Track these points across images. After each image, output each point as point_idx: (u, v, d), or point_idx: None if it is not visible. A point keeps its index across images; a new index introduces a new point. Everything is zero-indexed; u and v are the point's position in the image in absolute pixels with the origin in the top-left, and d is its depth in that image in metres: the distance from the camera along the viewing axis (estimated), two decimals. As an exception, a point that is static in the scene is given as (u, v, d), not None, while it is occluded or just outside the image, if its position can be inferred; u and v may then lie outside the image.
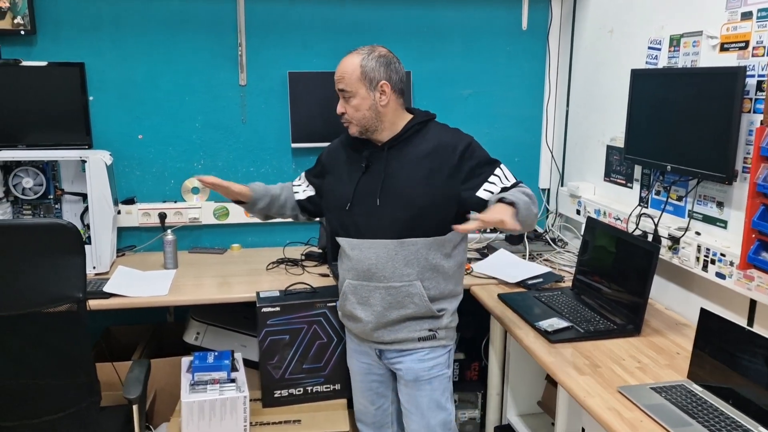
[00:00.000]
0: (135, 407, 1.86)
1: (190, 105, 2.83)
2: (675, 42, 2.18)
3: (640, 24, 2.38)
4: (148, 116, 2.80)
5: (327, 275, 2.56)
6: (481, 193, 1.82)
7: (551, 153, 3.11)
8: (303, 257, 2.75)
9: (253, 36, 2.81)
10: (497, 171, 1.85)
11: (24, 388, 1.63)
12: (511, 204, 1.68)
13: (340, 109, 1.86)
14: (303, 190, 2.10)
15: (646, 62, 2.33)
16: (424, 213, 1.82)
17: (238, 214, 2.91)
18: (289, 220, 2.88)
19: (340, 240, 1.92)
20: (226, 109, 2.86)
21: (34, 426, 1.67)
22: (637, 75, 2.30)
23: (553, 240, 2.91)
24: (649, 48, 2.32)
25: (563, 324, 2.01)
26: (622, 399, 1.59)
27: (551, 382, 2.38)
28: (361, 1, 2.86)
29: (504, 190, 1.82)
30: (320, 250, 2.76)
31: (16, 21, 2.52)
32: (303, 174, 2.13)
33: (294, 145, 2.88)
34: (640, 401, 1.56)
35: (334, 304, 2.26)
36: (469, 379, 2.74)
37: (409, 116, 1.90)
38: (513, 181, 1.87)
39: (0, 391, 1.63)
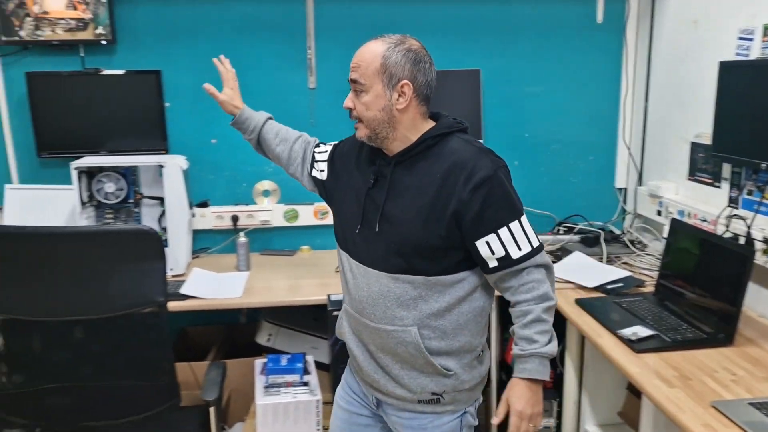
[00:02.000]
0: (212, 409, 1.89)
1: (261, 108, 2.82)
2: (769, 31, 2.05)
3: (728, 14, 2.24)
4: (220, 121, 2.84)
5: (397, 278, 2.53)
6: (479, 244, 1.46)
7: (629, 151, 2.98)
8: (372, 259, 2.73)
9: (322, 38, 2.82)
10: (510, 226, 1.45)
11: (108, 389, 1.68)
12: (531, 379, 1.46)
13: (348, 103, 1.55)
14: (321, 171, 1.77)
15: (736, 54, 2.19)
16: (421, 251, 1.47)
17: (307, 217, 2.93)
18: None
19: (342, 252, 1.63)
20: (295, 112, 2.88)
21: (117, 427, 1.73)
22: (726, 67, 2.16)
23: (632, 242, 2.79)
24: (740, 39, 2.18)
25: (648, 332, 1.92)
26: (717, 415, 1.49)
27: (633, 393, 2.28)
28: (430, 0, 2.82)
29: (506, 260, 1.45)
30: (390, 253, 2.74)
31: (97, 31, 2.62)
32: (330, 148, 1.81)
33: (363, 147, 2.87)
34: (738, 418, 1.46)
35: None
36: (544, 387, 2.64)
37: (430, 126, 1.53)
38: (525, 250, 1.45)
39: (85, 392, 1.69)
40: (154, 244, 1.56)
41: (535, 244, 1.48)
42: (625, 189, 3.04)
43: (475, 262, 1.50)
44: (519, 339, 1.49)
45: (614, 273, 2.43)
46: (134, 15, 2.69)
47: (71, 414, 1.70)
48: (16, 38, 2.59)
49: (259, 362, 2.27)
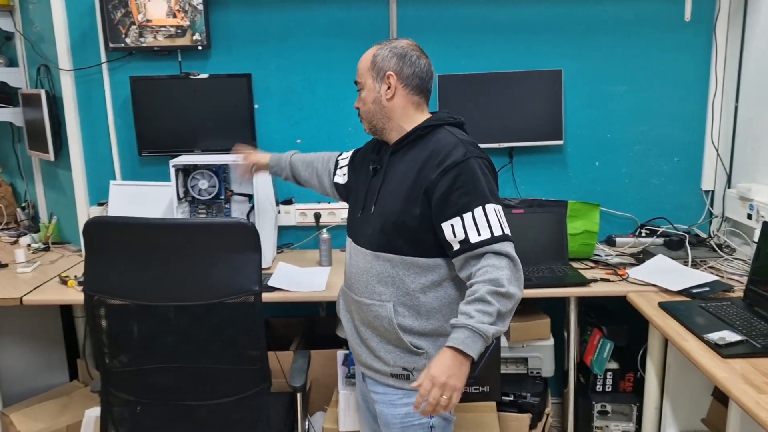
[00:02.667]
0: (299, 395, 1.99)
1: (345, 110, 2.96)
2: None
3: (829, 9, 2.15)
4: (306, 122, 2.97)
5: (475, 277, 2.56)
6: (445, 226, 1.55)
7: (717, 152, 2.88)
8: (450, 258, 2.77)
9: (404, 41, 2.88)
10: (474, 212, 1.51)
11: (205, 371, 1.80)
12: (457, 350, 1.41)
13: (355, 104, 1.75)
14: (344, 175, 1.95)
15: (837, 51, 2.10)
16: (399, 229, 1.60)
17: (387, 215, 3.01)
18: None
19: (347, 238, 1.81)
20: (377, 113, 2.96)
21: (212, 407, 1.84)
22: (826, 66, 2.07)
23: (719, 246, 2.70)
24: (842, 35, 2.08)
25: (736, 337, 1.87)
26: (811, 423, 1.45)
27: (719, 399, 2.22)
28: (510, 0, 2.83)
29: (465, 244, 1.51)
30: (468, 252, 2.77)
31: (194, 38, 2.79)
32: (348, 160, 1.97)
33: (442, 147, 2.91)
34: (835, 427, 1.41)
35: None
36: (623, 391, 2.62)
37: (426, 118, 1.69)
38: (485, 236, 1.49)
39: (185, 373, 1.81)
40: (251, 236, 1.66)
41: (497, 232, 1.51)
42: (712, 191, 2.94)
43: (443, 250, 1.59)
44: (459, 313, 1.48)
45: (700, 277, 2.37)
46: (228, 22, 2.85)
47: (171, 393, 1.83)
48: (122, 45, 2.79)
49: (340, 353, 2.36)
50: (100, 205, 2.92)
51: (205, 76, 2.84)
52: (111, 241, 1.70)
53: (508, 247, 1.52)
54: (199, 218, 2.55)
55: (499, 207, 1.55)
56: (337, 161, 2.00)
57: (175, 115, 2.84)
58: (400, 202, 1.61)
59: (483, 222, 1.51)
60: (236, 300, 1.71)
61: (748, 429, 1.75)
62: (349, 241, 1.79)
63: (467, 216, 1.52)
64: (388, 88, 1.65)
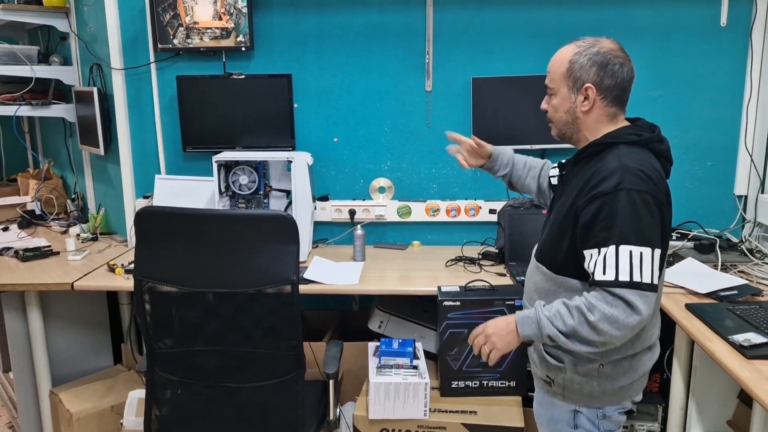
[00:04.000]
0: (331, 382, 2.08)
1: (380, 110, 3.05)
2: None
3: None
4: (342, 121, 3.07)
5: (504, 275, 2.63)
6: (586, 253, 1.49)
7: (751, 157, 2.88)
8: (480, 256, 2.84)
9: (440, 43, 2.95)
10: (609, 249, 1.42)
11: (246, 355, 1.90)
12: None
13: (542, 105, 1.65)
14: (555, 176, 1.89)
15: None
16: (554, 247, 1.60)
17: (419, 213, 3.09)
18: (469, 218, 3.02)
19: None
20: (412, 114, 3.04)
21: (251, 389, 1.95)
22: None
23: (750, 251, 2.71)
24: None
25: (762, 339, 1.89)
26: (831, 423, 1.48)
27: (744, 402, 2.24)
28: (545, 4, 2.88)
29: (592, 278, 1.46)
30: (497, 250, 2.83)
31: (238, 39, 2.91)
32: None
33: (475, 148, 2.98)
34: None
35: (512, 302, 2.32)
36: (648, 391, 2.65)
37: (607, 131, 1.58)
38: (610, 277, 1.41)
39: (228, 356, 1.92)
40: (290, 228, 1.76)
41: (623, 278, 1.40)
42: (746, 196, 2.94)
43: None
44: (576, 299, 1.50)
45: (728, 280, 2.38)
46: (270, 24, 2.96)
47: (213, 375, 1.94)
48: (170, 46, 2.93)
49: (372, 345, 2.45)
50: (146, 197, 3.06)
51: (248, 75, 2.95)
52: (160, 230, 1.82)
53: (631, 296, 1.41)
54: (243, 210, 2.67)
55: (642, 250, 1.41)
56: (549, 178, 1.93)
57: (218, 113, 2.97)
58: (561, 218, 1.58)
59: (612, 262, 1.42)
60: (275, 289, 1.80)
61: (772, 430, 1.78)
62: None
63: (603, 251, 1.43)
64: (585, 99, 1.54)
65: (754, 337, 1.90)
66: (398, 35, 2.96)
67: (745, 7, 2.81)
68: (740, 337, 1.91)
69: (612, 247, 1.42)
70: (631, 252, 1.41)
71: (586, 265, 1.49)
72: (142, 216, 1.80)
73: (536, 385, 1.80)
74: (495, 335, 1.56)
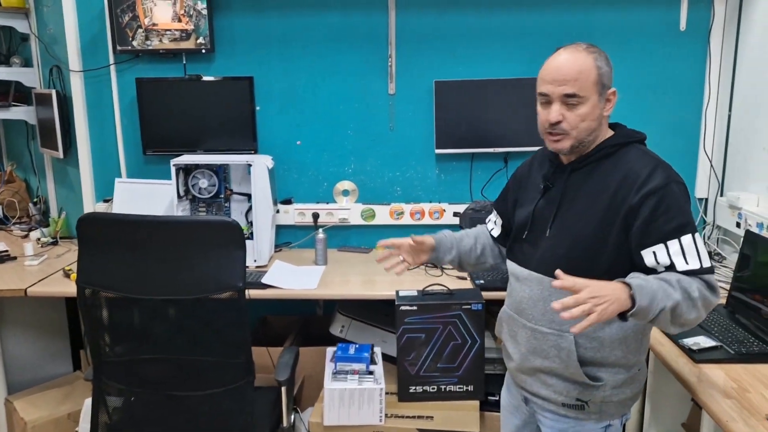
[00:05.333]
0: (284, 389, 2.06)
1: (344, 113, 3.03)
2: None
3: (816, 21, 2.18)
4: (306, 124, 3.05)
5: (464, 278, 2.62)
6: (645, 254, 1.43)
7: (710, 161, 2.91)
8: (443, 260, 2.82)
9: (403, 46, 2.94)
10: (682, 239, 1.40)
11: (194, 363, 1.88)
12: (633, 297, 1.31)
13: (557, 116, 1.49)
14: (494, 223, 1.83)
15: (823, 63, 2.12)
16: (591, 256, 1.49)
17: (384, 216, 3.07)
18: (433, 222, 3.01)
19: (509, 262, 1.69)
20: (376, 117, 3.03)
21: (199, 397, 1.92)
22: (810, 77, 2.10)
23: (709, 254, 2.72)
24: (827, 47, 2.11)
25: (711, 343, 1.91)
26: (770, 427, 1.49)
27: (698, 404, 2.24)
28: (507, 8, 2.88)
29: (671, 269, 1.40)
30: (460, 254, 2.82)
31: (198, 41, 2.88)
32: (492, 205, 1.88)
33: (438, 151, 2.97)
34: (791, 431, 1.45)
35: (469, 306, 2.31)
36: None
37: (609, 133, 1.56)
38: (694, 265, 1.40)
39: (174, 364, 1.89)
40: (236, 234, 1.74)
41: (706, 264, 1.42)
42: (706, 199, 2.96)
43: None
44: (666, 275, 1.41)
45: (685, 284, 2.39)
46: (231, 26, 2.93)
47: (161, 383, 1.91)
48: (129, 48, 2.90)
49: (329, 350, 2.43)
50: (106, 201, 3.02)
51: (208, 78, 2.92)
52: (103, 236, 1.78)
53: (714, 280, 1.44)
54: (186, 216, 2.64)
55: (698, 236, 1.44)
56: (485, 229, 1.87)
57: (178, 115, 2.94)
58: (593, 226, 1.49)
59: (692, 250, 1.41)
60: (222, 295, 1.78)
61: (721, 433, 1.78)
62: (512, 264, 1.66)
63: (672, 243, 1.41)
64: (608, 103, 1.52)
65: (703, 341, 1.92)
66: (361, 38, 2.95)
67: (703, 12, 2.83)
68: (690, 341, 1.92)
69: (687, 237, 1.41)
70: (699, 238, 1.44)
71: (649, 262, 1.43)
72: (84, 222, 1.77)
73: (550, 414, 1.62)
74: (601, 298, 1.28)
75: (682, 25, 2.85)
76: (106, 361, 1.92)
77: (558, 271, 1.35)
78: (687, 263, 1.40)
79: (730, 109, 2.79)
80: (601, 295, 1.29)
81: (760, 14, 2.56)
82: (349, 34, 2.94)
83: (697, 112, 2.92)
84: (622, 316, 1.33)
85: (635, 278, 1.36)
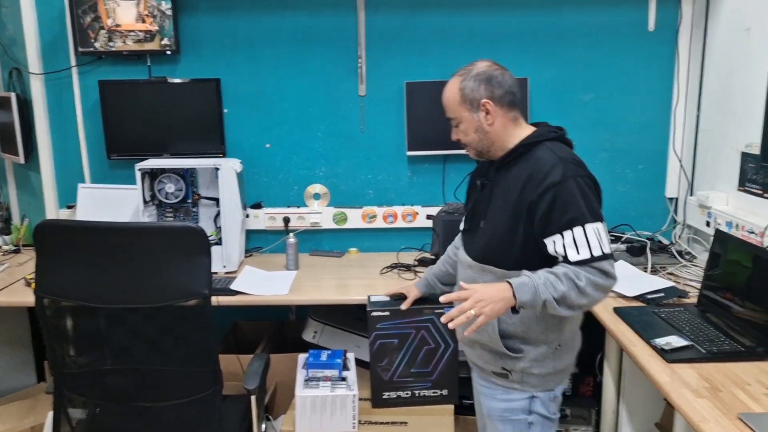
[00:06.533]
0: (253, 398, 2.01)
1: (314, 115, 2.99)
2: (821, 40, 1.99)
3: (780, 21, 2.20)
4: (275, 126, 3.00)
5: (438, 281, 2.59)
6: (548, 241, 1.62)
7: (679, 160, 2.93)
8: (416, 263, 2.80)
9: (373, 48, 2.91)
10: (574, 231, 1.58)
11: (158, 373, 1.82)
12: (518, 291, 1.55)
13: (453, 136, 1.79)
14: (464, 219, 1.98)
15: (787, 62, 2.15)
16: (504, 244, 1.68)
17: (356, 220, 3.04)
18: (406, 225, 2.99)
19: (458, 250, 1.93)
20: (346, 119, 2.99)
21: (165, 408, 1.86)
22: (775, 77, 2.12)
23: (680, 253, 2.74)
24: (791, 47, 2.13)
25: (682, 342, 1.90)
26: (742, 427, 1.48)
27: (671, 404, 2.25)
28: (478, 9, 2.87)
29: (566, 260, 1.58)
30: (433, 256, 2.80)
31: (163, 42, 2.81)
32: None
33: (409, 153, 2.95)
34: (762, 430, 1.44)
35: (441, 310, 2.28)
36: (582, 395, 2.65)
37: (527, 132, 1.73)
38: (586, 255, 1.57)
39: (139, 374, 1.83)
40: (201, 240, 1.68)
41: (596, 252, 1.57)
42: (676, 199, 2.98)
43: (551, 263, 1.63)
44: (557, 267, 1.60)
45: (656, 283, 2.40)
46: (197, 27, 2.87)
47: (126, 394, 1.85)
48: (91, 49, 2.82)
49: (301, 357, 2.38)
50: (69, 207, 2.93)
51: (174, 80, 2.86)
52: (61, 244, 1.72)
53: (606, 266, 1.58)
54: (148, 222, 2.57)
55: (598, 225, 1.59)
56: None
57: (143, 119, 2.86)
58: (506, 218, 1.68)
59: (582, 241, 1.57)
60: (186, 303, 1.72)
61: (694, 433, 1.78)
62: (460, 251, 1.88)
63: (567, 234, 1.58)
64: (487, 114, 1.70)
65: (675, 341, 1.91)
66: (331, 39, 2.91)
67: (671, 13, 2.85)
68: (662, 341, 1.91)
69: (578, 229, 1.58)
70: (593, 229, 1.58)
71: (551, 250, 1.62)
72: (41, 230, 1.70)
73: (485, 381, 1.84)
74: (486, 301, 1.54)
75: (651, 26, 2.86)
76: (67, 373, 1.85)
77: (461, 283, 1.61)
78: (578, 253, 1.57)
79: (698, 109, 2.81)
80: (486, 298, 1.54)
81: (726, 14, 2.58)
82: (317, 34, 2.90)
83: (666, 112, 2.94)
84: (514, 309, 1.59)
85: (522, 276, 1.59)
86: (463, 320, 1.53)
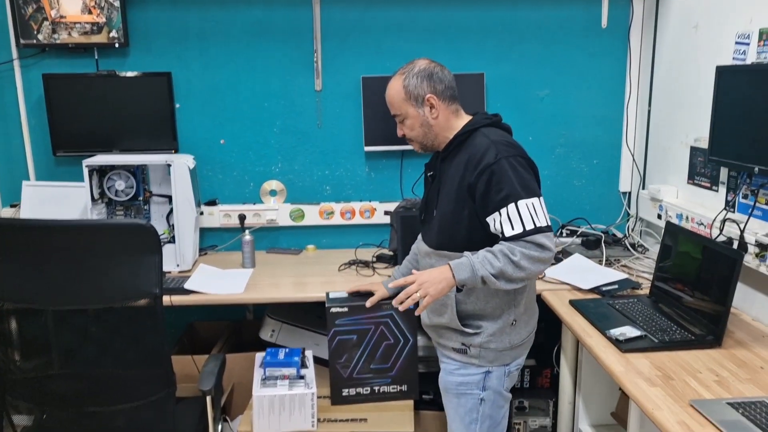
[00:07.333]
0: (209, 399, 1.95)
1: (269, 110, 2.94)
2: (765, 36, 2.05)
3: (726, 18, 2.25)
4: (229, 122, 2.93)
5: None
6: (489, 220, 1.73)
7: (632, 155, 2.99)
8: (374, 259, 2.78)
9: (329, 42, 2.88)
10: (508, 208, 1.68)
11: (108, 376, 1.76)
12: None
13: (399, 132, 1.89)
14: None
15: (733, 58, 2.20)
16: (453, 228, 1.80)
17: (313, 217, 3.00)
18: (364, 221, 2.97)
19: (418, 243, 2.04)
20: (302, 114, 2.95)
21: (116, 412, 1.80)
22: (722, 72, 2.17)
23: (633, 245, 2.79)
24: (737, 43, 2.18)
25: (636, 333, 1.94)
26: (693, 413, 1.51)
27: (625, 393, 2.29)
28: (434, 3, 2.86)
29: (503, 236, 1.69)
30: (391, 253, 2.79)
31: (111, 35, 2.72)
32: None
33: (367, 149, 2.93)
34: (713, 416, 1.48)
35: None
36: (541, 386, 2.68)
37: (464, 122, 1.85)
38: (519, 230, 1.67)
39: (88, 378, 1.76)
40: (150, 238, 1.63)
41: (529, 226, 1.67)
42: (629, 192, 3.04)
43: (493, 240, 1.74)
44: (496, 246, 1.71)
45: (611, 275, 2.44)
46: (146, 19, 2.79)
47: (74, 399, 1.78)
48: (34, 41, 2.71)
49: (258, 356, 2.33)
50: (13, 206, 2.81)
51: (123, 74, 2.77)
52: (3, 244, 1.64)
53: (540, 239, 1.67)
54: (94, 220, 2.48)
55: (532, 200, 1.68)
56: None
57: (91, 114, 2.76)
58: (452, 203, 1.78)
59: (516, 217, 1.67)
60: (136, 303, 1.67)
61: (647, 421, 1.80)
62: (420, 242, 2.00)
63: (503, 211, 1.68)
64: (431, 108, 1.80)
65: (629, 331, 1.94)
66: (285, 33, 2.86)
67: (623, 10, 2.90)
68: (616, 332, 1.95)
69: (512, 206, 1.67)
70: (526, 205, 1.67)
71: (493, 229, 1.72)
72: (-22, 229, 1.62)
73: (445, 358, 1.93)
74: (428, 282, 1.69)
75: (604, 23, 2.91)
76: (11, 378, 1.77)
77: (413, 271, 1.78)
78: (513, 228, 1.67)
79: (649, 104, 2.87)
80: (429, 280, 1.69)
81: (675, 12, 2.64)
82: (272, 28, 2.85)
83: (619, 108, 2.99)
84: (460, 289, 1.76)
85: (463, 257, 1.71)
86: (410, 302, 1.71)
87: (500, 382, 1.88)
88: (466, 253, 1.72)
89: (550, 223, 1.71)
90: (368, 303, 2.22)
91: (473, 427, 1.90)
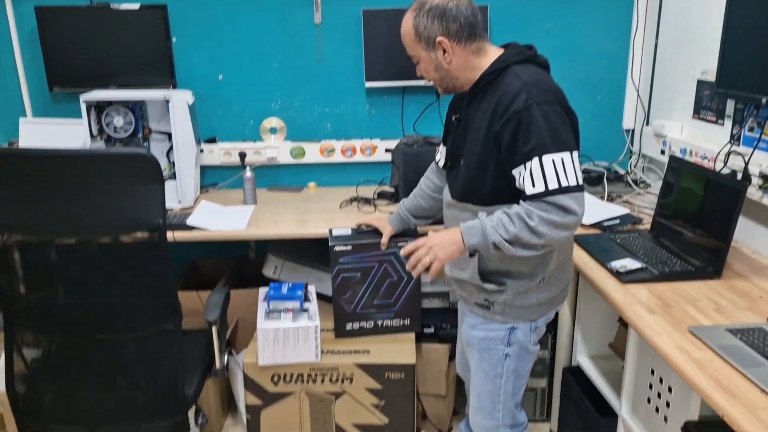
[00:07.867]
0: (214, 329, 1.98)
1: (268, 45, 2.87)
2: (779, -38, 1.99)
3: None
4: (227, 57, 2.88)
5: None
6: (515, 173, 1.54)
7: (637, 90, 2.94)
8: (376, 196, 2.78)
9: (328, -27, 2.80)
10: (532, 162, 1.48)
11: (114, 305, 1.77)
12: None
13: (418, 73, 1.73)
14: (441, 153, 1.93)
15: (745, -14, 2.13)
16: (478, 180, 1.63)
17: (314, 154, 2.98)
18: (365, 159, 2.95)
19: (444, 192, 1.88)
20: (301, 49, 2.89)
21: (126, 339, 1.82)
22: (733, 0, 2.11)
23: (635, 181, 2.79)
24: (749, -30, 2.11)
25: (637, 265, 1.95)
26: (692, 339, 1.54)
27: (623, 325, 2.32)
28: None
29: (523, 194, 1.52)
30: (392, 190, 2.78)
31: (104, -35, 2.63)
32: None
33: (368, 84, 2.87)
34: (712, 341, 1.50)
35: (405, 243, 2.27)
36: (541, 321, 2.71)
37: (492, 59, 1.62)
38: (541, 188, 1.48)
39: (98, 307, 1.78)
40: (151, 167, 1.60)
41: (552, 186, 1.47)
42: (633, 130, 3.01)
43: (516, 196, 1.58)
44: (513, 207, 1.56)
45: (613, 210, 2.44)
46: (140, -52, 2.70)
47: (82, 327, 1.79)
48: (25, -28, 2.62)
49: (262, 290, 2.36)
50: (11, 144, 2.79)
51: (117, 7, 2.69)
52: (4, 174, 1.62)
53: (564, 200, 1.47)
54: (95, 149, 2.46)
55: (561, 155, 1.48)
56: (434, 164, 2.05)
57: (86, 48, 2.71)
58: (478, 153, 1.61)
59: (538, 174, 1.48)
60: (140, 233, 1.66)
61: (645, 349, 1.84)
62: (445, 191, 1.84)
63: (528, 165, 1.49)
64: (444, 52, 1.62)
65: (630, 263, 1.96)
66: (284, -37, 2.77)
67: (632, -62, 2.80)
68: (617, 264, 1.96)
69: (535, 159, 1.48)
70: (553, 160, 1.47)
71: (518, 184, 1.54)
72: (-22, 159, 1.60)
73: (467, 311, 1.85)
74: (437, 246, 1.60)
75: (612, -49, 2.82)
76: (18, 308, 1.78)
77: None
78: (534, 186, 1.49)
79: (657, 38, 2.80)
80: (437, 244, 1.60)
81: (686, -61, 2.55)
82: (270, -41, 2.76)
83: (625, 42, 2.92)
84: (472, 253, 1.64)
85: (476, 220, 1.58)
86: (420, 268, 1.63)
87: (527, 337, 1.77)
88: (480, 214, 1.58)
89: (581, 183, 1.50)
90: (382, 245, 2.18)
91: (498, 382, 1.81)
